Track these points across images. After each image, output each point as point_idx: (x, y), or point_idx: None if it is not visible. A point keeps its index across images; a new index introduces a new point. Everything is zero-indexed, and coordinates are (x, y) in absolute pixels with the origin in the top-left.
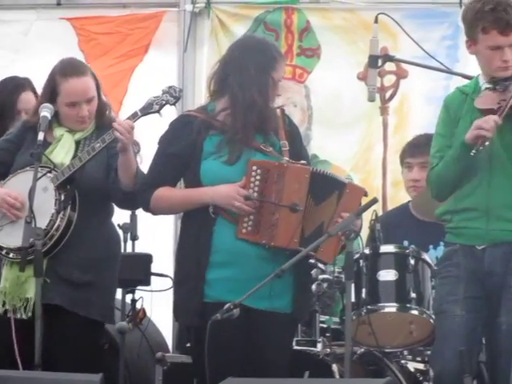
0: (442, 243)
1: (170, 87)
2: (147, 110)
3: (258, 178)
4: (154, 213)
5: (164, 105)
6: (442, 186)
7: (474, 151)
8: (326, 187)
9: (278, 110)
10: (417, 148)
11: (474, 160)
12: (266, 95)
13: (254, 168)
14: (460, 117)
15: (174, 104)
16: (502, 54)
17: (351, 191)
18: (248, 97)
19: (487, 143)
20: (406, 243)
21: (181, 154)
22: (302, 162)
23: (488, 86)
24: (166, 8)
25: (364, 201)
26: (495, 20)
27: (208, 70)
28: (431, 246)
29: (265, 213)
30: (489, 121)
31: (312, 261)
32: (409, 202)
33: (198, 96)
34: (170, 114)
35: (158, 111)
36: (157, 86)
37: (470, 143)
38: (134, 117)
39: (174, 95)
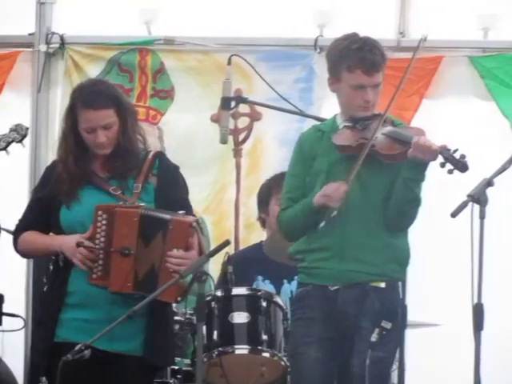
0: (296, 277)
1: (16, 125)
2: None
3: (104, 222)
4: (22, 255)
5: (10, 142)
6: (291, 231)
7: (322, 224)
8: (153, 228)
9: (151, 155)
10: None
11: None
12: (76, 148)
13: (100, 213)
14: (315, 155)
15: (20, 141)
16: (364, 94)
17: (175, 227)
18: (59, 151)
19: (334, 213)
20: (259, 278)
21: (45, 199)
22: (141, 204)
23: (347, 124)
24: (21, 48)
25: (216, 243)
26: (361, 59)
27: (61, 110)
28: (285, 281)
29: (111, 258)
30: (338, 190)
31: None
32: (261, 241)
33: (52, 137)
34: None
35: (4, 148)
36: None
37: (318, 208)
38: None
39: (20, 133)
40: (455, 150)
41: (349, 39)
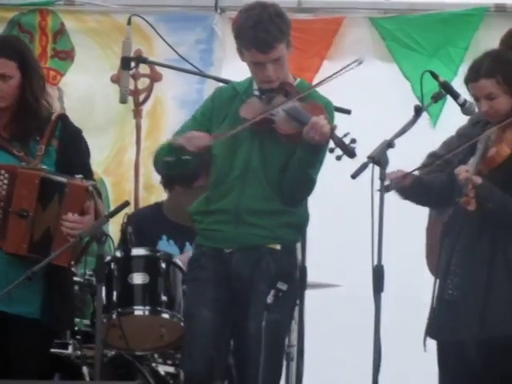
0: None
1: None
2: None
3: (5, 181)
4: None
5: None
6: (155, 162)
7: (168, 158)
8: (51, 191)
9: (54, 116)
10: None
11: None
12: None
13: (2, 172)
14: (227, 114)
15: None
16: (264, 70)
17: (71, 190)
18: None
19: (186, 157)
20: (164, 238)
21: None
22: (43, 167)
23: (256, 93)
24: None
25: (116, 204)
26: (254, 39)
27: None
28: (188, 243)
29: (8, 219)
30: (200, 139)
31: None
32: (162, 201)
33: None
34: None
35: None
36: None
37: (175, 147)
38: None
39: None
40: (346, 134)
41: (248, 12)
